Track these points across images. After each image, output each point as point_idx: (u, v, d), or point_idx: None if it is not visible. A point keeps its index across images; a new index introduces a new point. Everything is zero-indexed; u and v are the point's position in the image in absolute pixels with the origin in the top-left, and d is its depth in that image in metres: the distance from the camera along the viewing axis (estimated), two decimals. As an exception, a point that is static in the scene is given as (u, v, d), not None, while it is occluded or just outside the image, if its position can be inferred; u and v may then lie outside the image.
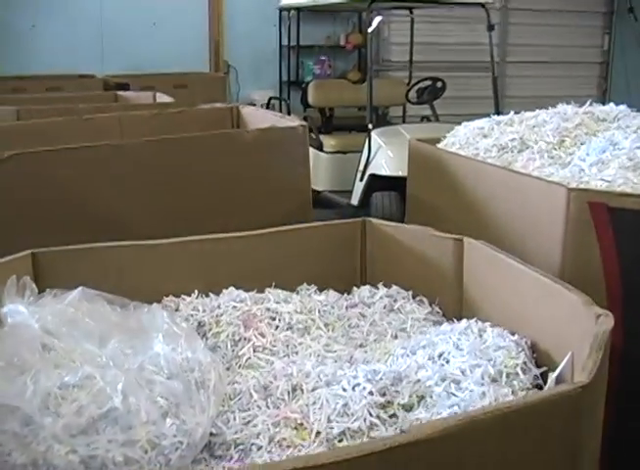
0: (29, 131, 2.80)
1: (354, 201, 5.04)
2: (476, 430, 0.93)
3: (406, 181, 4.43)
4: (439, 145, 2.54)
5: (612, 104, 2.52)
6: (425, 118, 5.88)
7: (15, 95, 4.70)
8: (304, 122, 2.40)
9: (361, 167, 4.94)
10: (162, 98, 3.89)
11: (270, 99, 6.49)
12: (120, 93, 4.46)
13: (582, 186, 1.94)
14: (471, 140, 2.46)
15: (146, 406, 1.22)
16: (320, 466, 0.84)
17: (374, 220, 1.97)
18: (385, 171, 4.75)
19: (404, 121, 6.01)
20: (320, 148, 5.49)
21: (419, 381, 1.41)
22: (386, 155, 4.77)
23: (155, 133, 2.34)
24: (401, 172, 4.52)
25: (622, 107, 2.48)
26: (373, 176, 4.83)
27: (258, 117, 2.86)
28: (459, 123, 2.67)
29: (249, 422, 1.37)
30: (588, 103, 2.50)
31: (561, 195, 1.81)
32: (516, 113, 2.58)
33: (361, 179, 4.93)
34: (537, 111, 2.56)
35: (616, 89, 8.73)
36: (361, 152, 4.95)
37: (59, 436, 1.16)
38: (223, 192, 2.30)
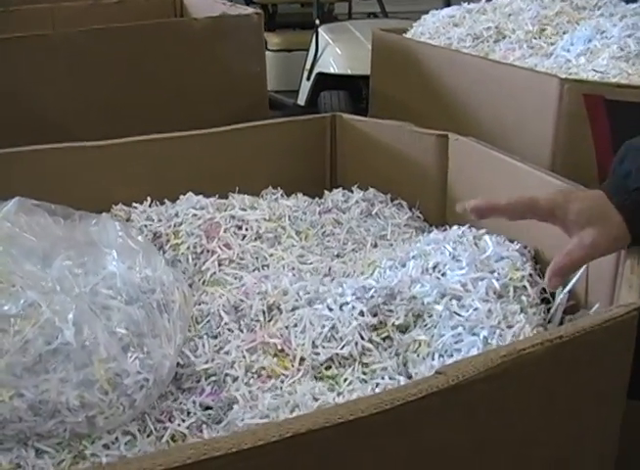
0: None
1: (301, 101, 4.84)
2: (523, 366, 0.76)
3: (355, 80, 4.33)
4: (406, 35, 2.33)
5: (591, -10, 2.33)
6: (372, 15, 5.64)
7: None
8: (259, 11, 2.17)
9: (308, 66, 4.73)
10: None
11: (209, -5, 6.18)
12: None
13: (572, 78, 1.76)
14: (441, 30, 2.26)
15: (103, 339, 1.02)
16: (340, 424, 0.65)
17: (345, 115, 1.76)
18: (333, 70, 4.55)
19: (350, 18, 5.76)
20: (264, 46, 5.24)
21: (414, 298, 1.23)
22: (334, 52, 4.56)
23: (91, 25, 2.09)
24: (350, 70, 4.37)
25: (602, -6, 2.30)
26: (320, 75, 4.62)
27: (205, 7, 2.60)
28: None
29: (220, 349, 1.19)
30: (567, -11, 2.31)
31: (553, 87, 1.62)
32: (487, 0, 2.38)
33: (308, 78, 4.73)
34: (509, -3, 2.37)
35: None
36: (307, 50, 4.73)
37: (0, 378, 0.96)
38: (170, 88, 2.08)
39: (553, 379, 0.81)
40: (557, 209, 1.02)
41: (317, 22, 4.66)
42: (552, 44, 2.05)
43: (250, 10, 2.20)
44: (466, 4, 2.38)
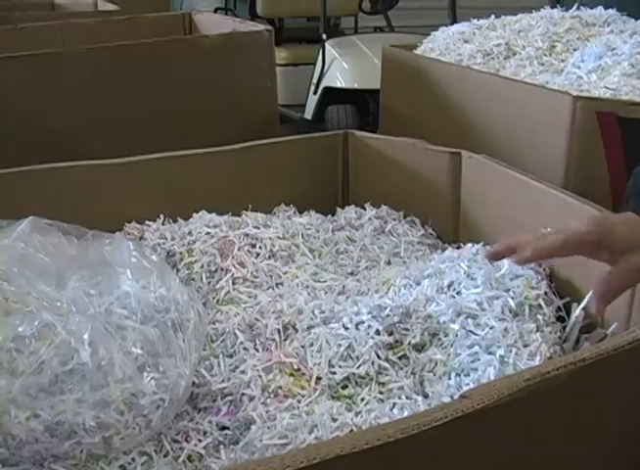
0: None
1: (308, 115, 4.84)
2: (547, 390, 0.75)
3: (362, 94, 4.33)
4: (416, 51, 2.34)
5: (600, 7, 2.33)
6: (378, 29, 5.64)
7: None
8: (270, 27, 2.17)
9: (315, 80, 4.73)
10: (105, 6, 3.59)
11: (216, 10, 6.19)
12: (57, 1, 4.14)
13: (584, 95, 1.76)
14: (451, 46, 2.26)
15: (119, 359, 1.02)
16: (369, 449, 0.65)
17: (357, 132, 1.76)
18: (340, 84, 4.55)
19: (356, 32, 5.77)
20: (271, 61, 5.25)
21: (430, 317, 1.23)
22: (341, 66, 4.56)
23: (101, 43, 2.10)
24: (357, 84, 4.37)
25: (611, 11, 2.30)
26: (327, 89, 4.62)
27: (215, 24, 2.62)
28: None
29: (236, 368, 1.18)
30: (575, 7, 2.32)
31: (565, 104, 1.63)
32: (497, 17, 2.39)
33: (315, 92, 4.73)
34: (520, 15, 2.37)
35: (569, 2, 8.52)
36: (314, 64, 4.73)
37: (16, 398, 0.96)
38: (181, 104, 2.08)
39: (577, 401, 0.81)
40: (603, 237, 0.97)
41: (324, 36, 4.66)
42: (562, 61, 2.06)
43: (260, 26, 2.20)
44: (475, 20, 2.39)
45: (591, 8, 2.30)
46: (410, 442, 0.66)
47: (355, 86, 4.39)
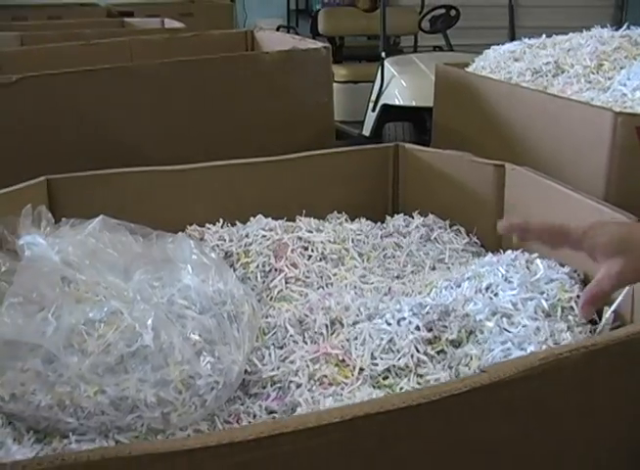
0: (35, 56, 2.67)
1: (366, 132, 4.93)
2: (560, 369, 0.84)
3: (420, 111, 4.40)
4: (468, 69, 2.42)
5: (651, 27, 2.39)
6: (437, 48, 5.72)
7: (16, 22, 4.54)
8: (328, 44, 2.27)
9: (373, 97, 4.82)
10: (172, 24, 3.74)
11: (278, 27, 6.32)
12: (127, 20, 4.31)
13: (627, 111, 1.83)
14: (502, 64, 2.34)
15: (178, 344, 1.12)
16: (394, 411, 0.74)
17: (407, 145, 1.86)
18: (398, 101, 4.63)
19: (416, 51, 5.86)
20: (331, 78, 5.36)
21: (467, 315, 1.32)
22: (399, 84, 4.64)
23: (167, 58, 2.21)
24: (415, 102, 4.44)
25: (662, 30, 2.36)
26: (385, 106, 4.71)
27: (276, 41, 2.73)
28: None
29: (285, 358, 1.28)
30: (625, 26, 2.38)
31: (607, 120, 1.70)
32: (548, 36, 2.46)
33: (373, 110, 4.82)
34: (571, 34, 2.44)
35: (632, 21, 8.50)
36: (373, 82, 4.82)
37: (85, 375, 1.06)
38: (242, 117, 2.18)
39: (589, 383, 0.89)
40: (585, 239, 1.07)
41: (383, 54, 4.75)
42: (609, 79, 2.11)
43: (319, 44, 2.29)
44: (527, 39, 2.46)
45: (643, 27, 2.36)
46: (431, 406, 0.75)
47: (413, 104, 4.46)
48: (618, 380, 0.92)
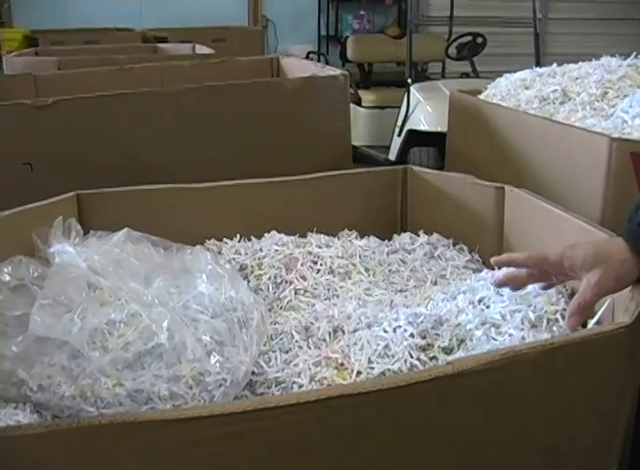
0: (72, 80, 2.82)
1: (392, 156, 5.05)
2: (519, 364, 0.95)
3: (445, 137, 4.50)
4: (480, 96, 2.53)
5: (658, 56, 2.48)
6: (464, 75, 5.84)
7: (54, 47, 4.72)
8: (346, 72, 2.39)
9: (399, 123, 4.94)
10: (202, 50, 3.89)
11: (309, 53, 6.48)
12: (160, 45, 4.47)
13: (624, 137, 1.92)
14: (512, 92, 2.45)
15: (191, 344, 1.24)
16: (365, 393, 0.86)
17: (415, 168, 1.98)
18: (423, 127, 4.75)
19: (443, 78, 5.98)
20: (358, 103, 5.50)
21: (459, 325, 1.42)
22: (424, 110, 4.76)
23: (196, 83, 2.34)
24: (440, 128, 4.54)
25: (669, 59, 2.45)
26: (411, 132, 4.83)
27: (299, 68, 2.86)
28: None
29: (290, 362, 1.39)
30: (633, 55, 2.47)
31: (603, 145, 1.79)
32: (559, 65, 2.55)
33: (399, 134, 4.93)
34: (580, 63, 2.53)
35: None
36: (399, 107, 4.94)
37: (105, 369, 1.19)
38: (262, 141, 2.30)
39: (547, 378, 1.00)
40: (565, 259, 1.22)
41: (409, 80, 4.86)
42: (613, 106, 2.21)
43: (337, 71, 2.41)
44: (538, 68, 2.56)
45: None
46: (399, 391, 0.87)
47: (438, 129, 4.56)
48: (572, 376, 1.02)
